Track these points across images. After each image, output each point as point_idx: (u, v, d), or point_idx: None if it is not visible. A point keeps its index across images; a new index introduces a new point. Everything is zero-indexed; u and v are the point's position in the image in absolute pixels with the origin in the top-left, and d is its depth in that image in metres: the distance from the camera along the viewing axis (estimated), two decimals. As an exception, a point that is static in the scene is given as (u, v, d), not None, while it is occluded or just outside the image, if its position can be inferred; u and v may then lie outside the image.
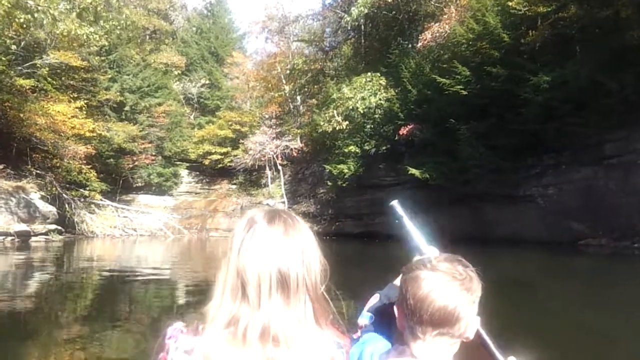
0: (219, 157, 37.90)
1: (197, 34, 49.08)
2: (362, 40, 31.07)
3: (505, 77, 16.82)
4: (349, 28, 30.48)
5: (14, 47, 21.51)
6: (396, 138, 22.47)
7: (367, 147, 24.45)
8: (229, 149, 37.79)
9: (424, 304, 1.20)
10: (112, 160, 32.38)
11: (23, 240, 20.44)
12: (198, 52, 46.50)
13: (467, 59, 18.82)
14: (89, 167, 27.98)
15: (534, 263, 13.85)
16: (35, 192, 22.99)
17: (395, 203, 1.59)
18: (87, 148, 27.31)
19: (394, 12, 27.20)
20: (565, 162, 16.98)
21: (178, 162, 39.45)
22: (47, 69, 25.98)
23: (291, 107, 38.72)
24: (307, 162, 33.94)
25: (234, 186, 38.71)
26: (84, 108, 27.57)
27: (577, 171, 16.59)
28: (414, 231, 1.52)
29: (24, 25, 18.45)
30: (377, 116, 24.46)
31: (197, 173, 40.84)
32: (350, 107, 24.45)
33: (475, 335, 1.28)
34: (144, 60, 38.55)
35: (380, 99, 23.97)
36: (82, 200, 28.14)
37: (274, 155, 34.96)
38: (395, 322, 1.39)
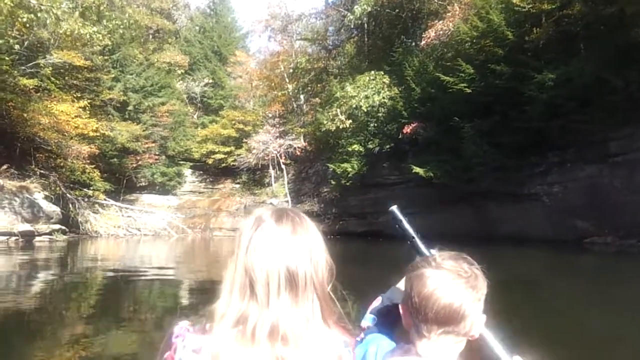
0: (222, 156, 37.90)
1: (200, 33, 49.13)
2: (366, 39, 31.00)
3: (510, 74, 16.75)
4: (352, 26, 30.42)
5: (17, 46, 21.54)
6: (400, 136, 22.43)
7: (370, 146, 24.41)
8: (233, 148, 37.80)
9: (429, 302, 1.20)
10: (115, 159, 32.45)
11: (27, 240, 20.46)
12: (201, 51, 46.52)
13: (471, 56, 18.75)
14: (93, 166, 28.05)
15: (539, 261, 13.79)
16: (39, 192, 23.02)
17: (394, 208, 1.59)
18: (91, 148, 27.40)
19: (397, 10, 27.15)
20: (570, 160, 16.91)
21: (181, 162, 39.50)
22: (50, 68, 26.06)
23: (294, 106, 38.70)
24: (310, 161, 33.93)
25: (237, 185, 38.74)
26: (87, 108, 27.69)
27: (581, 169, 16.54)
28: (414, 235, 1.52)
29: (27, 25, 18.49)
30: (380, 115, 24.41)
31: (201, 172, 40.88)
32: (354, 106, 24.41)
33: (480, 335, 1.28)
34: (147, 59, 38.65)
35: (383, 98, 23.92)
36: (86, 200, 28.22)
37: (278, 154, 34.96)
38: (397, 323, 1.40)
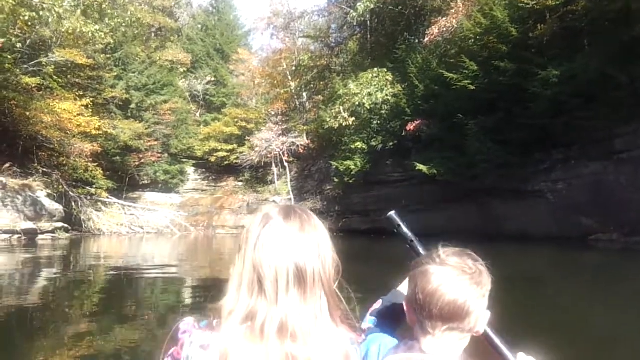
0: (225, 154, 37.89)
1: (202, 31, 49.13)
2: (368, 36, 30.96)
3: (514, 71, 16.69)
4: (355, 24, 30.35)
5: (19, 45, 21.62)
6: (403, 134, 22.38)
7: (374, 143, 24.37)
8: (235, 146, 37.79)
9: (434, 298, 1.20)
10: (118, 158, 32.52)
11: (30, 238, 20.49)
12: (203, 49, 46.51)
13: (475, 53, 18.68)
14: (95, 165, 28.13)
15: (543, 258, 13.75)
16: (42, 190, 23.06)
17: (392, 214, 1.61)
18: (93, 146, 27.44)
19: (400, 7, 27.10)
20: (574, 156, 16.84)
21: (184, 160, 39.53)
22: (52, 67, 26.13)
23: (297, 103, 38.69)
24: (313, 158, 33.91)
25: (240, 183, 38.75)
26: (89, 106, 27.74)
27: (586, 166, 16.46)
28: (413, 238, 1.54)
29: (29, 23, 18.53)
30: (383, 112, 24.37)
31: (204, 170, 40.90)
32: (357, 103, 24.38)
33: (484, 331, 1.29)
34: (149, 57, 38.70)
35: (387, 95, 23.87)
36: (89, 198, 28.26)
37: (280, 152, 34.95)
38: (398, 324, 1.44)
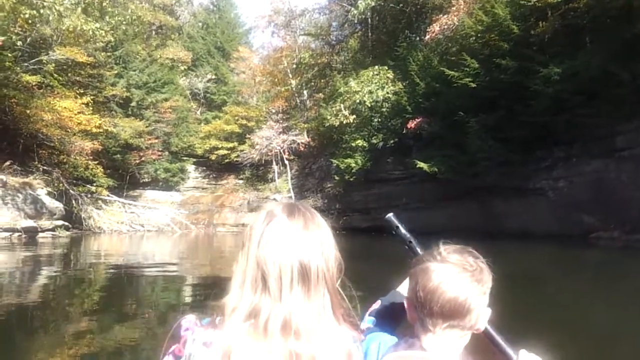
0: (225, 152, 37.90)
1: (203, 29, 49.13)
2: (369, 34, 30.89)
3: (515, 69, 16.65)
4: (355, 21, 30.35)
5: (19, 43, 21.60)
6: (404, 131, 22.35)
7: (374, 141, 24.34)
8: (236, 144, 37.80)
9: (434, 295, 1.19)
10: (118, 156, 32.52)
11: (30, 236, 20.48)
12: (204, 47, 46.49)
13: (476, 51, 18.64)
14: (96, 163, 28.12)
15: (544, 256, 13.73)
16: (42, 188, 23.06)
17: (391, 216, 1.61)
18: (94, 144, 27.45)
19: (401, 5, 27.06)
20: (575, 154, 16.80)
21: (185, 158, 39.53)
22: (53, 65, 26.10)
23: (298, 101, 38.66)
24: (314, 156, 33.90)
25: (240, 181, 38.77)
26: (90, 104, 27.72)
27: (587, 164, 16.43)
28: (411, 240, 1.54)
29: (30, 21, 18.53)
30: (384, 110, 24.35)
31: (204, 168, 40.93)
32: (358, 101, 24.36)
33: (485, 328, 1.29)
34: (150, 55, 38.69)
35: (387, 93, 23.85)
36: (89, 196, 28.25)
37: (281, 150, 34.92)
38: (398, 323, 1.45)
